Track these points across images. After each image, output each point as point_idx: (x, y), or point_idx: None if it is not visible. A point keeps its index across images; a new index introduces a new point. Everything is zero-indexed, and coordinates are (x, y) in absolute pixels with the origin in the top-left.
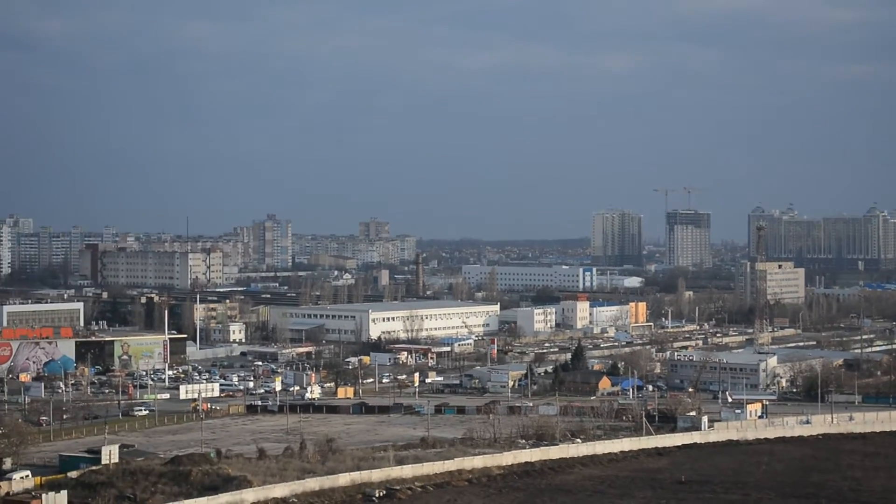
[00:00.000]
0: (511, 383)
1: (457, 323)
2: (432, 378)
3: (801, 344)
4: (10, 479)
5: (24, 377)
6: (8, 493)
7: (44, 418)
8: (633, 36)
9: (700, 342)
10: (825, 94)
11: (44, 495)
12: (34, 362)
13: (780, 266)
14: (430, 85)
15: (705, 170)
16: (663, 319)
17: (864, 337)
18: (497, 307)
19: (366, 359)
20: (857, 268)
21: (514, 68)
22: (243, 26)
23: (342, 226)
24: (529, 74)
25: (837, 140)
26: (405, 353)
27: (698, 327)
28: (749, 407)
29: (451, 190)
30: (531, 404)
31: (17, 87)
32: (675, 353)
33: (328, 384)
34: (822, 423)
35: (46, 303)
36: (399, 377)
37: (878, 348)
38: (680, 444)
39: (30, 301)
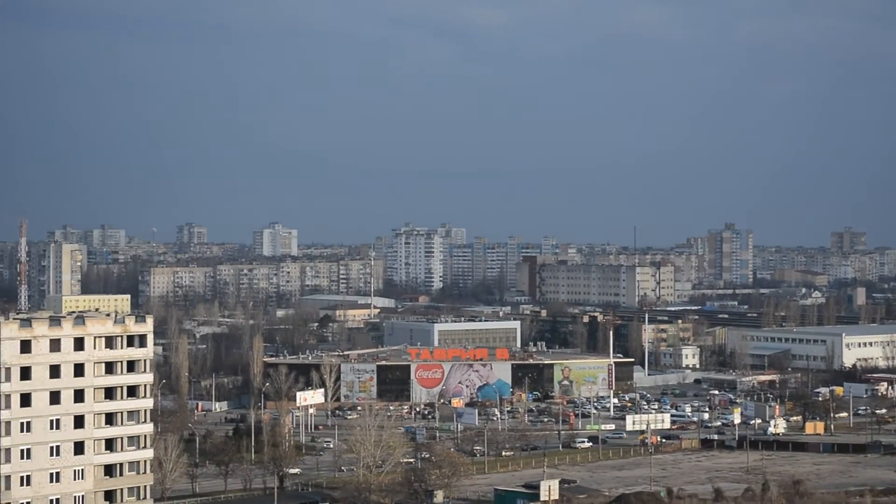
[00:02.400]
0: None
1: None
2: None
3: None
4: None
5: (457, 402)
6: None
7: (478, 448)
8: None
9: None
10: None
11: None
12: (467, 386)
13: None
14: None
15: None
16: None
17: None
18: None
19: (838, 389)
20: None
21: None
22: (696, 7)
23: (811, 236)
24: None
25: None
26: (885, 383)
27: None
28: None
29: None
30: None
31: (443, 82)
32: None
33: (794, 417)
34: None
35: (480, 321)
36: (878, 411)
37: None
38: None
39: (462, 319)
